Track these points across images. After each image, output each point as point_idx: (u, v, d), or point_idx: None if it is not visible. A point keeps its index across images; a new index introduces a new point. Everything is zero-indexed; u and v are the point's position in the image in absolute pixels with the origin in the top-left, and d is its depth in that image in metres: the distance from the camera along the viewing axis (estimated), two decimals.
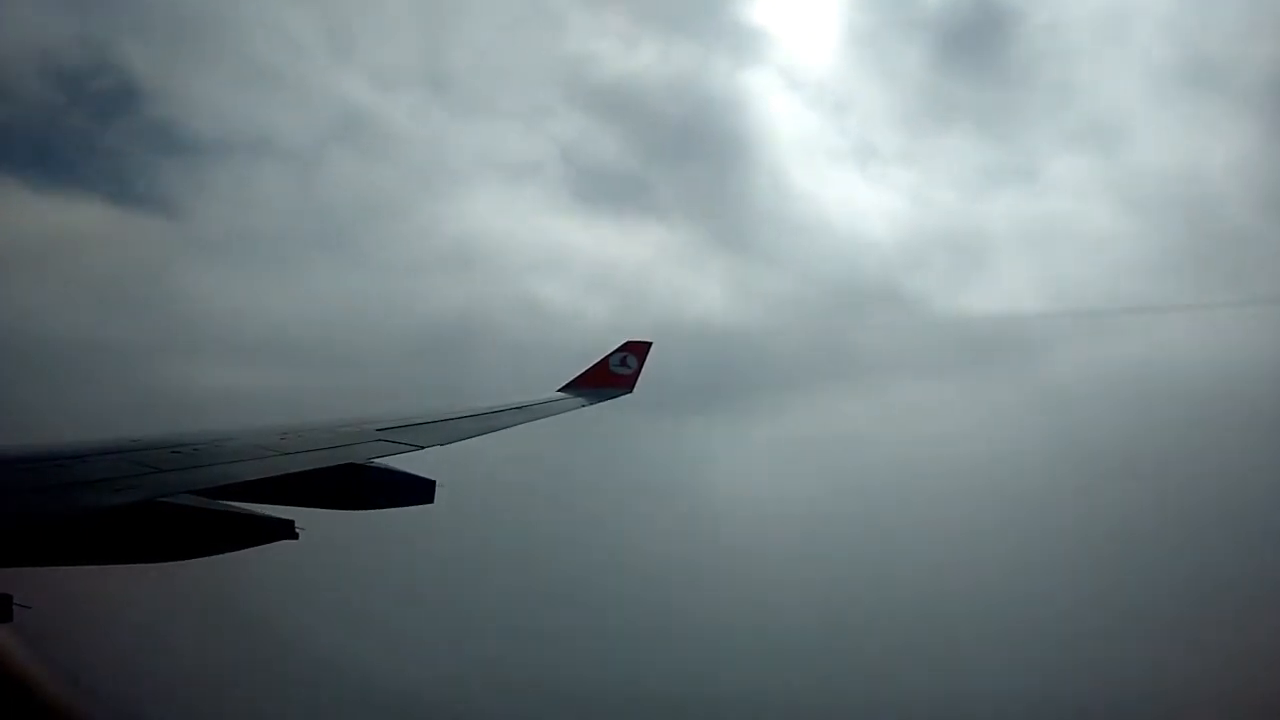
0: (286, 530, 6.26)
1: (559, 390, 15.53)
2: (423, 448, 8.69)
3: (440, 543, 25.77)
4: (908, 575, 33.52)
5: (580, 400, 14.87)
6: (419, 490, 8.11)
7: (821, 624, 30.30)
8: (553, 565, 32.41)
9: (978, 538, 35.65)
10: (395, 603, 27.02)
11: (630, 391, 16.69)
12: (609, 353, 16.91)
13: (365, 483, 7.78)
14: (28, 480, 5.37)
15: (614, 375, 16.63)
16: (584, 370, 16.40)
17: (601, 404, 15.62)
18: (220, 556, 6.11)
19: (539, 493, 31.74)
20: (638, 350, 17.10)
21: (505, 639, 28.09)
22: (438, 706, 24.91)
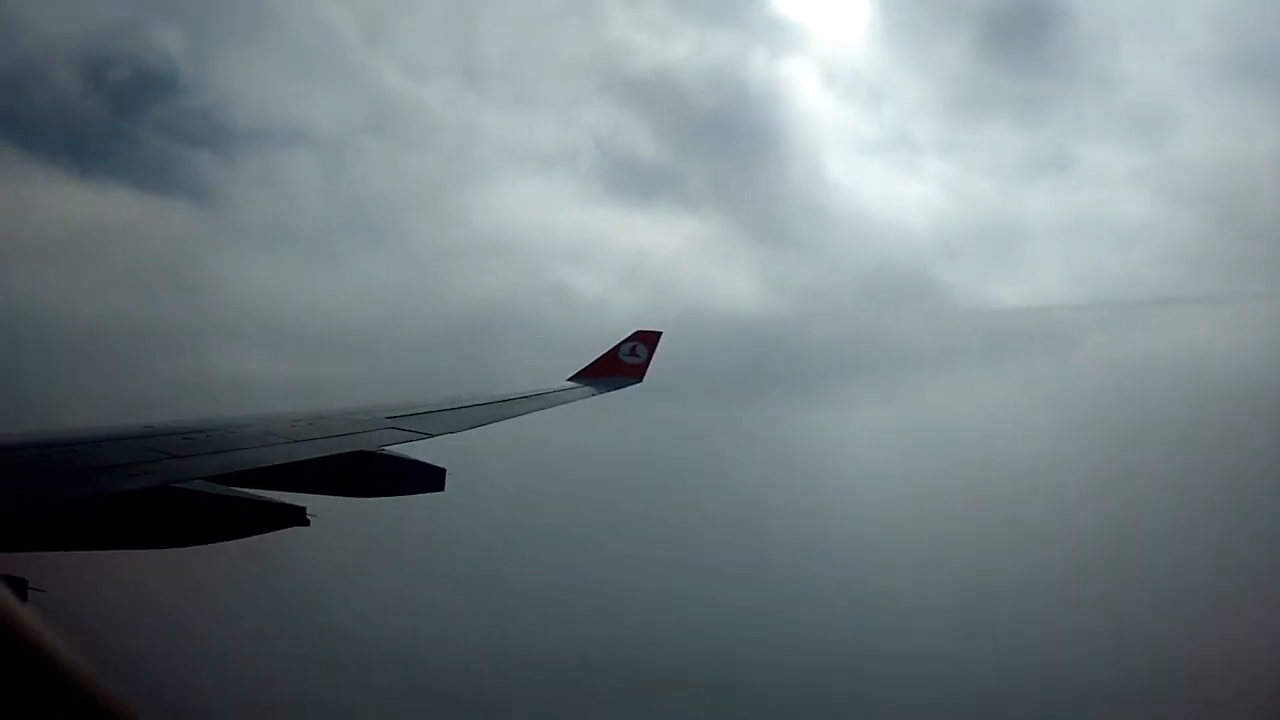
0: (298, 517, 6.30)
1: (568, 380, 15.53)
2: (433, 436, 8.72)
3: (450, 530, 25.90)
4: (929, 569, 33.38)
5: (589, 390, 14.87)
6: (429, 478, 8.14)
7: (843, 615, 30.19)
8: (561, 553, 32.53)
9: (996, 532, 35.48)
10: (406, 589, 27.19)
11: (640, 381, 16.67)
12: (619, 342, 16.89)
13: (376, 470, 7.81)
14: (42, 465, 5.42)
15: (624, 365, 16.61)
16: (594, 360, 16.40)
17: (611, 393, 15.63)
18: (233, 542, 6.16)
19: (548, 481, 31.82)
20: (647, 340, 17.07)
21: (515, 625, 28.23)
22: (448, 691, 25.08)
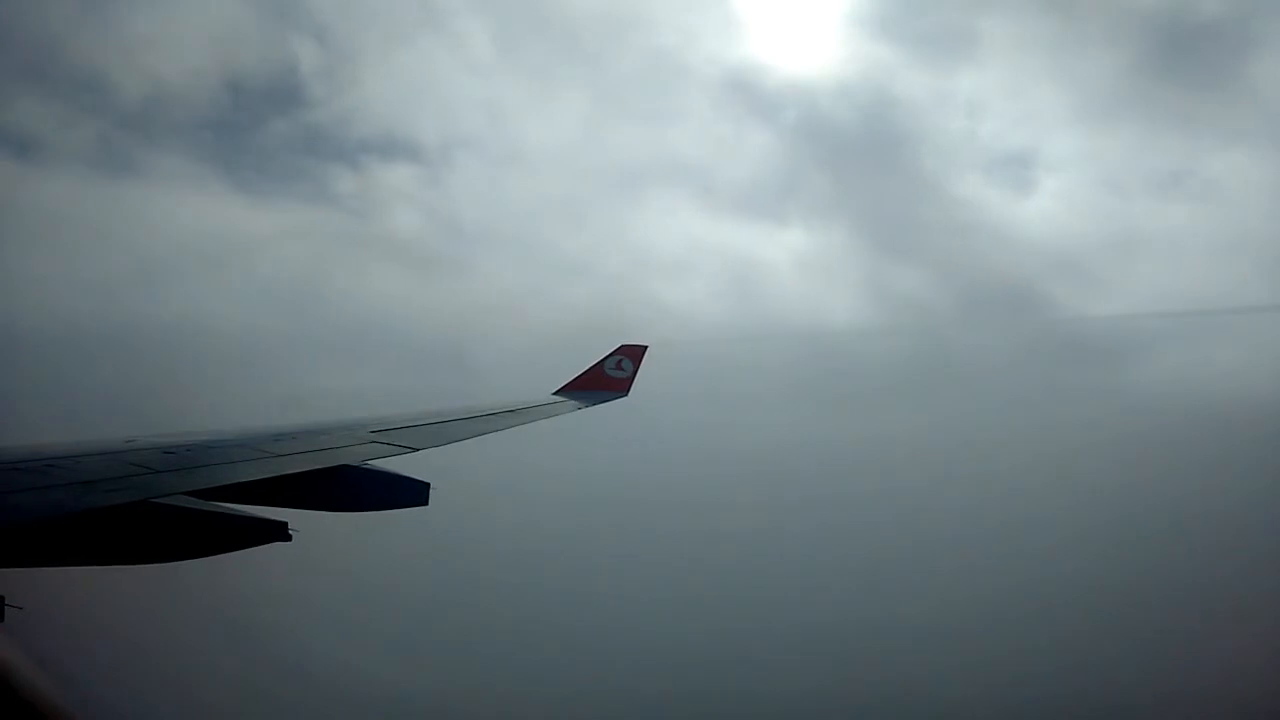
0: (280, 532, 6.24)
1: (554, 393, 15.51)
2: (417, 450, 8.68)
3: (434, 545, 25.75)
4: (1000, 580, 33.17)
5: (574, 403, 14.86)
6: (413, 492, 8.08)
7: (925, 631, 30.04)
8: (545, 566, 32.38)
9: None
10: (388, 604, 26.98)
11: (625, 395, 16.67)
12: (605, 356, 16.90)
13: (359, 484, 7.75)
14: (21, 480, 5.35)
15: (609, 379, 16.61)
16: (579, 373, 16.40)
17: (598, 406, 15.62)
18: (213, 558, 6.09)
19: (534, 494, 31.75)
20: (633, 354, 17.09)
21: (498, 640, 28.06)
22: (430, 707, 24.86)
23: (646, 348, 17.34)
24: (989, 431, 45.07)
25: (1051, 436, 44.18)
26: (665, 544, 34.52)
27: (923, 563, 34.53)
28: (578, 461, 31.71)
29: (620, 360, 16.92)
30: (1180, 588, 31.13)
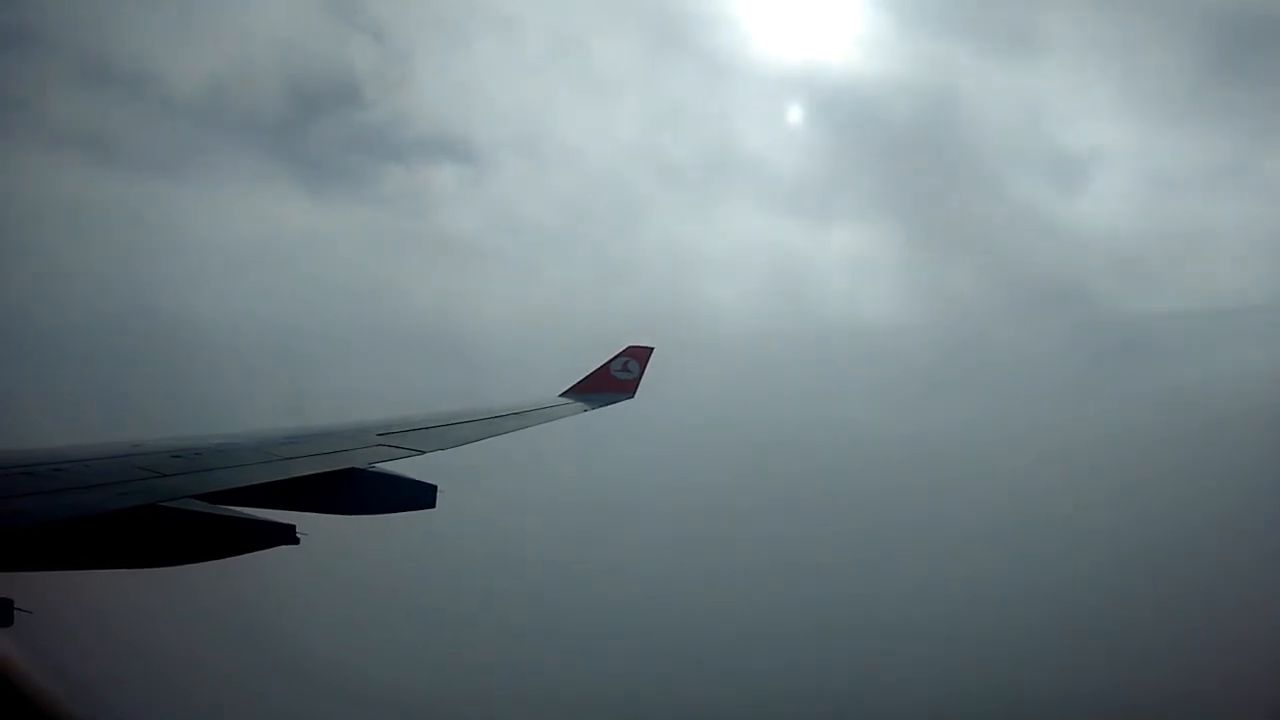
0: (287, 535, 6.25)
1: (561, 395, 15.51)
2: (423, 453, 8.68)
3: (442, 548, 25.74)
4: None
5: (581, 405, 14.85)
6: (420, 495, 8.08)
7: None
8: (553, 570, 32.35)
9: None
10: (396, 608, 27.00)
11: (631, 397, 16.65)
12: (611, 357, 16.88)
13: (366, 488, 7.76)
14: (30, 484, 5.36)
15: (615, 380, 16.59)
16: (586, 375, 16.38)
17: (605, 407, 15.62)
18: (221, 561, 6.10)
19: (544, 496, 31.73)
20: (639, 355, 17.07)
21: (505, 643, 28.04)
22: (437, 710, 24.86)
23: (652, 349, 17.32)
24: (1044, 430, 44.48)
25: (1107, 436, 43.60)
26: (696, 547, 34.28)
27: (969, 564, 34.07)
28: (596, 464, 31.65)
29: (626, 362, 16.91)
30: (1242, 592, 30.57)
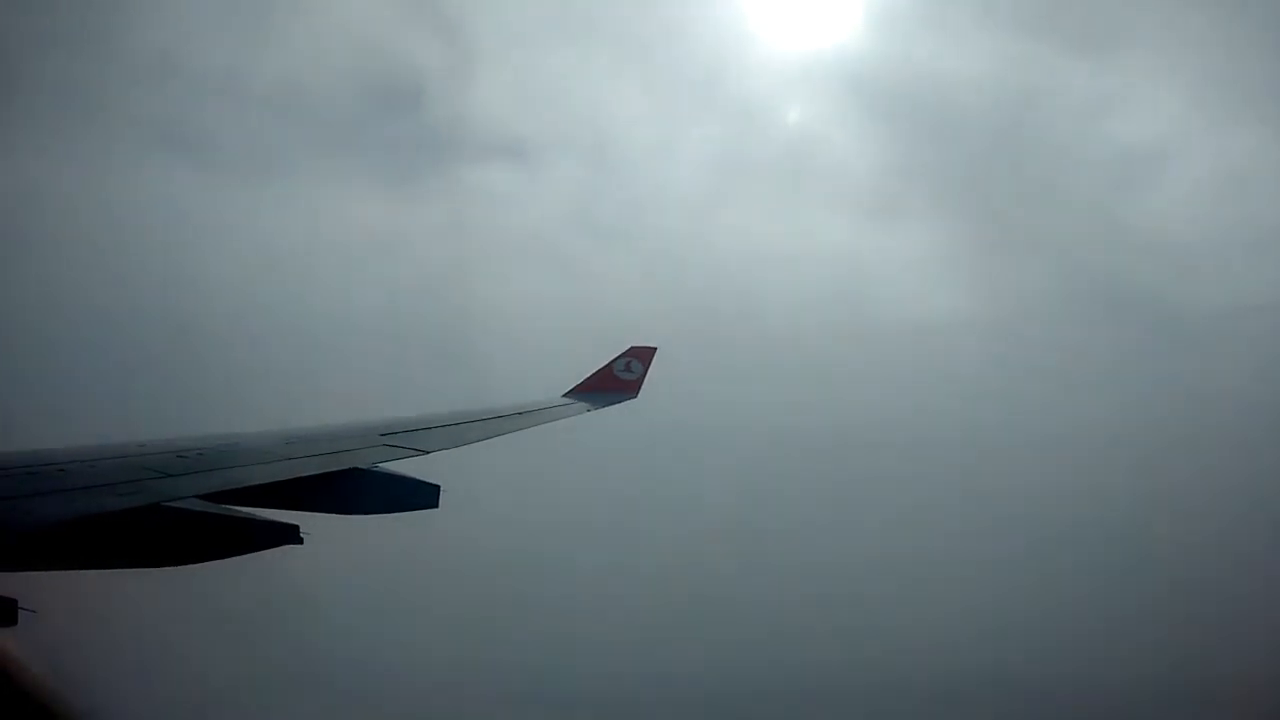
0: (291, 535, 6.25)
1: (564, 395, 15.54)
2: (427, 452, 8.71)
3: (445, 548, 25.75)
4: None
5: (584, 405, 14.89)
6: (423, 495, 8.10)
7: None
8: (558, 571, 32.35)
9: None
10: (399, 608, 27.00)
11: (635, 397, 16.69)
12: (614, 357, 16.92)
13: (369, 487, 7.78)
14: (34, 484, 5.37)
15: (619, 380, 16.64)
16: (589, 375, 16.42)
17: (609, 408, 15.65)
18: (224, 561, 6.11)
19: (547, 497, 31.68)
20: (642, 355, 17.12)
21: (508, 644, 28.05)
22: (440, 711, 24.87)
23: (655, 349, 17.38)
24: (1115, 431, 43.81)
25: (1181, 436, 43.02)
26: (715, 546, 34.08)
27: (1026, 568, 33.56)
28: (611, 464, 31.48)
29: (629, 362, 16.96)
30: None
